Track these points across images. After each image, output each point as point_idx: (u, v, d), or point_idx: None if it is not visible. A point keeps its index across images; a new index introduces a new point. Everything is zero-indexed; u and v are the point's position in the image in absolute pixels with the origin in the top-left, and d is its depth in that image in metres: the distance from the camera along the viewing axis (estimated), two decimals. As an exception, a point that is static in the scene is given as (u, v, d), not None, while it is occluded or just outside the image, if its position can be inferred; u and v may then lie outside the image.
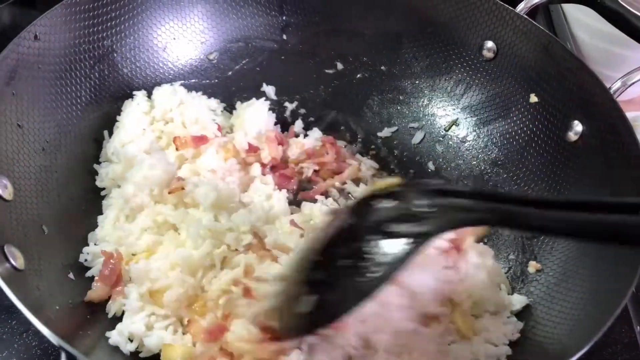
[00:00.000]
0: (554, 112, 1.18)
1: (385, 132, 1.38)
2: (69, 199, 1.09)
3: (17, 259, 0.88)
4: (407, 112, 1.39)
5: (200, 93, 1.30)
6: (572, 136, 1.13)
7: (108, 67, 1.24)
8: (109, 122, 1.22)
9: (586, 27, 1.54)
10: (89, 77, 1.20)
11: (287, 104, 1.40)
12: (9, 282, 0.81)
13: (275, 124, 1.34)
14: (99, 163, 1.18)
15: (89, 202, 1.13)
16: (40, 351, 1.03)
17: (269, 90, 1.40)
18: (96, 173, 1.16)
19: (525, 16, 1.21)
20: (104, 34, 1.22)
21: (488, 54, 1.28)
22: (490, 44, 1.26)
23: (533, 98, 1.21)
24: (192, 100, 1.24)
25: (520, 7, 1.24)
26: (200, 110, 1.22)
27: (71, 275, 1.00)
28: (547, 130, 1.19)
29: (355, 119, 1.39)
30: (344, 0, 1.38)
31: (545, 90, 1.19)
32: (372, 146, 1.37)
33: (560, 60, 1.16)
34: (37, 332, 1.03)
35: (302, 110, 1.39)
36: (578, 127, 1.12)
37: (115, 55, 1.25)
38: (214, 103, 1.31)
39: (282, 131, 1.34)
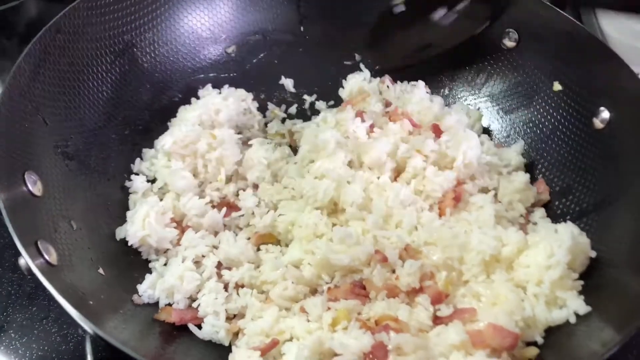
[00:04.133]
0: (578, 99, 1.17)
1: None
2: (96, 195, 1.09)
3: (51, 255, 0.88)
4: (427, 102, 1.38)
5: (227, 86, 1.31)
6: (598, 123, 1.12)
7: (128, 61, 1.23)
8: (129, 119, 1.21)
9: (617, 24, 1.51)
10: (110, 71, 1.19)
11: (305, 96, 1.39)
12: (48, 276, 0.80)
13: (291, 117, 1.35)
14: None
15: (115, 197, 1.13)
16: (59, 337, 1.04)
17: (288, 82, 1.39)
18: (122, 168, 1.16)
19: (548, 3, 1.20)
20: (124, 29, 1.22)
21: (510, 43, 1.27)
22: (512, 32, 1.26)
23: (557, 86, 1.21)
24: (237, 99, 1.27)
25: (542, -6, 1.23)
26: (241, 109, 1.27)
27: (101, 271, 0.99)
28: (571, 118, 1.18)
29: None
30: (361, -9, 1.37)
31: (570, 77, 1.19)
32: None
33: (585, 46, 1.15)
34: (57, 319, 1.05)
35: (322, 103, 1.38)
36: (604, 114, 1.11)
37: (135, 50, 1.24)
38: (249, 99, 1.32)
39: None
